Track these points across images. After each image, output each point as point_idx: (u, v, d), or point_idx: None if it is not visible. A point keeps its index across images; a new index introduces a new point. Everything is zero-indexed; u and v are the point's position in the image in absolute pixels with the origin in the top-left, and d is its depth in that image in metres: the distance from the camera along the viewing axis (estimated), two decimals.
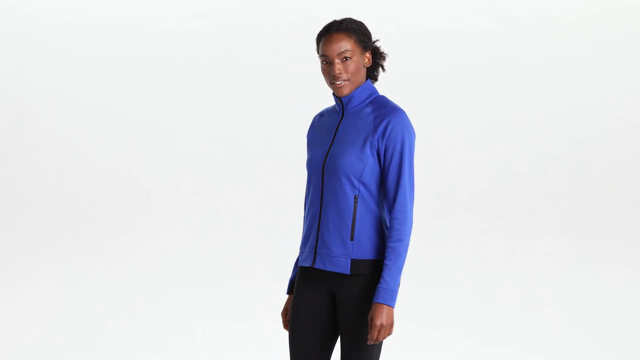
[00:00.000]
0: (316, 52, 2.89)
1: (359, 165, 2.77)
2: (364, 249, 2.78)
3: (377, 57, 2.92)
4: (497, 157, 6.96)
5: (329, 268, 2.81)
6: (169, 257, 6.35)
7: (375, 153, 2.78)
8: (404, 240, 2.73)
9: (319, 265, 2.83)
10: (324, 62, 2.84)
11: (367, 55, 2.87)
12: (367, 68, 2.90)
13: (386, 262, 2.73)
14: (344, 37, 2.83)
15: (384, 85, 7.52)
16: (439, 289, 5.95)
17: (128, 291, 5.77)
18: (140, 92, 6.73)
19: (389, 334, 2.74)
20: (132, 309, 5.46)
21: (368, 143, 2.77)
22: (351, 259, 2.78)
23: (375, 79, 2.96)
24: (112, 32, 6.67)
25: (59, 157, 6.72)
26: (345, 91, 2.84)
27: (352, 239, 2.78)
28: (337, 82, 2.82)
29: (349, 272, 2.78)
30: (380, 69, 2.94)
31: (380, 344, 2.80)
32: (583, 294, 5.94)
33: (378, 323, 2.71)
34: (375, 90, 2.90)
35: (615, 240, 6.83)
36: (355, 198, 2.78)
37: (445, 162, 6.94)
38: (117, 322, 5.23)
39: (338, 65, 2.82)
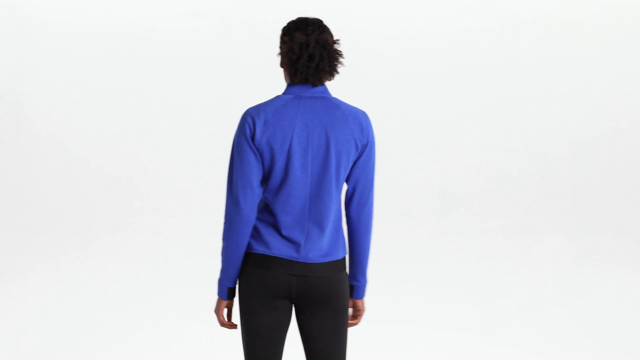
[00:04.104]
0: None
1: None
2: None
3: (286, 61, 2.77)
4: (497, 158, 6.96)
5: None
6: (169, 257, 6.36)
7: None
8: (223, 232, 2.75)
9: None
10: None
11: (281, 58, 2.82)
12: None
13: None
14: None
15: (383, 85, 7.51)
16: (439, 288, 5.94)
17: (127, 291, 5.77)
18: (139, 92, 6.73)
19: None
20: (131, 308, 5.47)
21: None
22: None
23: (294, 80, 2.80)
24: (112, 32, 6.68)
25: (58, 156, 6.73)
26: None
27: None
28: None
29: None
30: (294, 72, 2.77)
31: (247, 329, 2.77)
32: (583, 293, 5.94)
33: None
34: (286, 91, 2.83)
35: (615, 240, 6.84)
36: None
37: (445, 162, 6.94)
38: (116, 322, 5.24)
39: None
